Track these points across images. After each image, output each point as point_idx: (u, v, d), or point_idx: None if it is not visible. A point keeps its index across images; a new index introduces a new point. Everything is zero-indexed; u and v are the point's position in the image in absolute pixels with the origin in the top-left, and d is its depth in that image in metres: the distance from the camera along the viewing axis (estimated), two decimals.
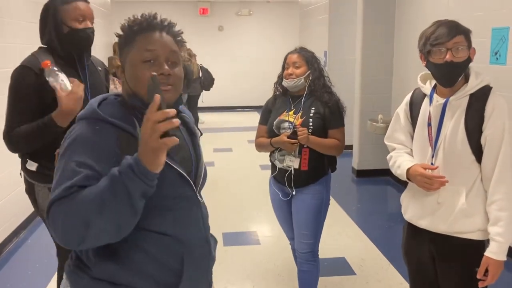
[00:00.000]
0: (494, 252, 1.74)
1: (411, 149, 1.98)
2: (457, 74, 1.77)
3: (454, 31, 1.74)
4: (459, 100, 1.80)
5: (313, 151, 2.49)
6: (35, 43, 4.98)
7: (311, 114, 2.49)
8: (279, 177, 2.59)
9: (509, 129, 1.74)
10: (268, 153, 2.66)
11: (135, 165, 1.09)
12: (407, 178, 1.90)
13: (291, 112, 2.55)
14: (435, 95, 1.86)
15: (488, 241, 1.81)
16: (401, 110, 2.00)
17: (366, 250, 3.72)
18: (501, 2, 3.54)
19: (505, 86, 3.41)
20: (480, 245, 1.82)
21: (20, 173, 2.24)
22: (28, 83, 2.02)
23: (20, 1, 4.26)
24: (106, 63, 9.37)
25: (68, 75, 2.10)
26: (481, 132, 1.76)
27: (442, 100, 1.82)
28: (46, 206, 2.09)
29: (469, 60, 1.78)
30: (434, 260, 1.93)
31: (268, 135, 2.59)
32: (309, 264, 2.62)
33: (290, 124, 2.50)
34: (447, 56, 1.73)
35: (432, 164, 1.86)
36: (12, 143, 2.07)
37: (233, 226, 4.16)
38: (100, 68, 2.36)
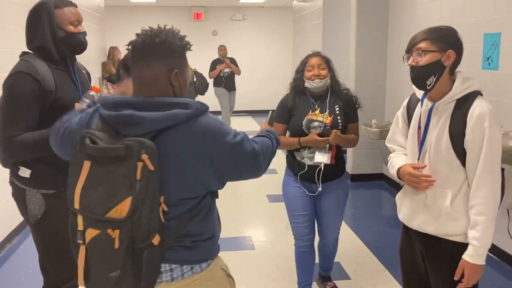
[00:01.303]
0: (470, 256, 1.76)
1: None
2: (422, 77, 1.81)
3: (420, 37, 1.82)
4: (447, 105, 1.82)
5: (338, 147, 2.71)
6: None
7: (337, 112, 2.69)
8: (308, 174, 2.68)
9: (492, 135, 1.74)
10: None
11: None
12: (398, 177, 1.96)
13: (317, 111, 2.69)
14: (425, 100, 1.90)
15: None
16: (400, 113, 2.07)
17: (361, 255, 3.73)
18: (493, 8, 3.58)
19: (497, 90, 3.44)
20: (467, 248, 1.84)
21: (12, 180, 2.18)
22: (30, 90, 1.98)
23: (17, 7, 4.25)
24: (100, 68, 9.27)
25: (62, 79, 2.10)
26: (464, 136, 1.78)
27: (430, 104, 1.86)
28: (38, 212, 2.08)
29: (436, 64, 1.80)
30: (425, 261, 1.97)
31: (293, 134, 2.71)
32: (334, 248, 2.92)
33: (320, 124, 2.64)
34: (409, 60, 1.84)
35: None
36: (10, 151, 2.01)
37: (227, 231, 4.12)
38: (83, 71, 2.37)
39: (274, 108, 2.82)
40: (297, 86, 2.76)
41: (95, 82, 7.52)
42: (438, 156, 1.84)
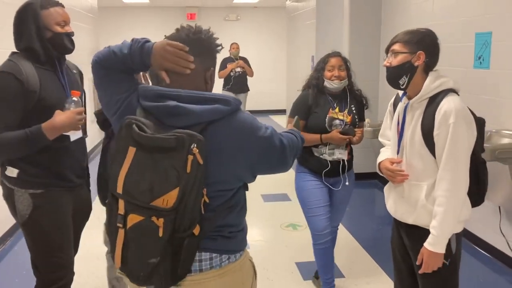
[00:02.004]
0: (429, 243, 1.87)
1: None
2: (395, 77, 1.94)
3: (394, 39, 1.96)
4: (420, 103, 1.92)
5: (350, 142, 2.83)
6: None
7: (354, 112, 2.85)
8: (330, 170, 2.82)
9: (456, 131, 1.79)
10: None
11: None
12: (379, 170, 2.09)
13: (336, 110, 2.81)
14: (404, 97, 2.01)
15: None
16: (388, 110, 2.19)
17: (355, 253, 3.75)
18: (484, 7, 3.61)
19: (489, 89, 3.47)
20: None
21: (1, 180, 2.19)
22: (13, 90, 1.97)
23: (11, 8, 4.23)
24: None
25: (48, 79, 2.09)
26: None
27: (407, 102, 1.97)
28: (26, 212, 2.09)
29: (406, 65, 1.90)
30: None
31: (313, 130, 2.79)
32: (329, 242, 2.90)
33: (341, 122, 2.79)
34: (385, 62, 1.98)
35: None
36: None
37: None
38: (75, 71, 2.36)
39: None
40: (318, 84, 2.83)
41: (88, 83, 7.50)
42: (413, 151, 1.94)
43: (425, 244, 1.88)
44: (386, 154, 2.13)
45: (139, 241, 1.34)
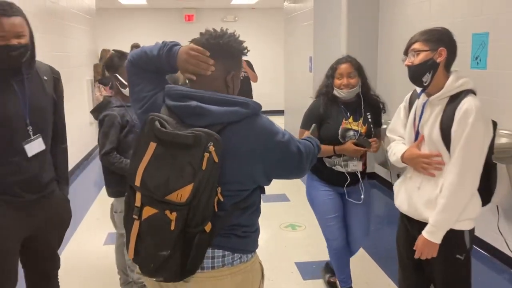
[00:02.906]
0: (426, 231, 1.95)
1: None
2: (418, 75, 1.96)
3: (413, 39, 1.99)
4: (440, 100, 1.95)
5: (365, 154, 2.72)
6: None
7: (370, 120, 2.68)
8: (341, 180, 2.73)
9: (472, 130, 1.84)
10: None
11: None
12: (403, 161, 2.08)
13: (350, 120, 2.66)
14: (423, 94, 2.03)
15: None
16: (402, 106, 2.20)
17: None
18: (480, 8, 3.64)
19: (486, 89, 3.49)
20: (460, 234, 1.97)
21: None
22: None
23: None
24: (91, 69, 9.19)
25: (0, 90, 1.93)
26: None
27: (426, 99, 1.99)
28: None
29: (429, 62, 1.93)
30: None
31: (325, 141, 2.57)
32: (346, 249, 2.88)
33: (355, 133, 2.65)
34: (406, 61, 2.00)
35: None
36: None
37: None
38: (46, 78, 2.12)
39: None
40: (328, 92, 2.70)
41: (86, 84, 7.51)
42: (430, 148, 1.97)
43: (423, 232, 1.95)
44: (401, 147, 2.12)
45: (152, 233, 1.38)
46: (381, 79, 5.53)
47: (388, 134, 2.27)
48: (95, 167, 7.20)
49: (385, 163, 5.20)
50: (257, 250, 1.67)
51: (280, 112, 9.49)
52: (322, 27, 6.52)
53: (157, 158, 1.37)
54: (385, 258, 3.63)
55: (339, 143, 2.64)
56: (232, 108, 1.41)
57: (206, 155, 1.32)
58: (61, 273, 2.58)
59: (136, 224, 1.41)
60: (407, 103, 2.17)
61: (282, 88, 9.33)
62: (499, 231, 3.33)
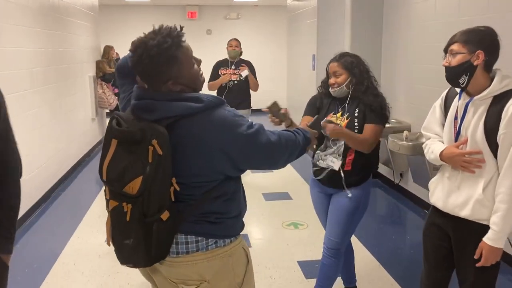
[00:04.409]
0: (489, 238, 1.93)
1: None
2: (455, 77, 1.97)
3: (453, 39, 1.99)
4: (483, 100, 1.95)
5: (359, 154, 2.54)
6: (29, 46, 4.95)
7: (356, 115, 2.58)
8: (322, 177, 2.64)
9: None
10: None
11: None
12: (441, 160, 2.07)
13: (338, 114, 2.64)
14: (463, 94, 2.03)
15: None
16: (438, 104, 2.19)
17: (357, 252, 3.73)
18: (486, 7, 3.61)
19: None
20: None
21: None
22: None
23: (12, 6, 4.23)
24: (94, 67, 9.22)
25: None
26: (498, 131, 1.90)
27: (468, 99, 1.99)
28: None
29: (466, 64, 1.93)
30: (451, 243, 2.12)
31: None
32: (331, 260, 2.70)
33: (335, 126, 2.53)
34: (444, 61, 2.00)
35: None
36: None
37: None
38: None
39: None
40: (326, 87, 2.71)
41: (89, 81, 7.51)
42: (473, 147, 1.97)
43: (485, 239, 1.94)
44: (439, 145, 2.12)
45: (116, 225, 1.52)
46: (385, 77, 5.51)
47: (423, 131, 2.28)
48: (97, 164, 7.19)
49: (388, 162, 5.18)
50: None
51: None
52: (326, 25, 6.50)
53: (117, 154, 1.48)
54: (388, 258, 3.62)
55: (323, 137, 2.58)
56: (181, 103, 1.48)
57: (151, 148, 1.40)
58: (62, 270, 2.59)
59: (108, 216, 1.55)
60: (443, 101, 2.17)
61: (284, 86, 9.31)
62: None
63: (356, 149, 2.54)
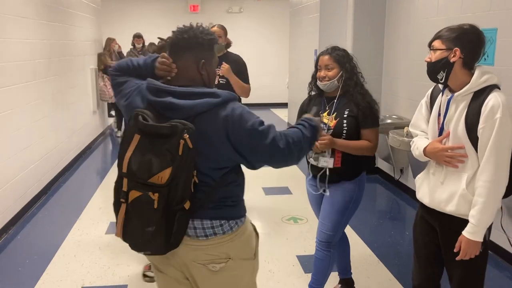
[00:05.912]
0: (468, 232, 1.95)
1: None
2: (433, 72, 2.02)
3: (435, 35, 2.02)
4: (464, 96, 1.97)
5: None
6: (32, 38, 4.95)
7: (345, 115, 2.53)
8: (314, 174, 2.67)
9: (501, 126, 1.87)
10: None
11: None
12: (425, 155, 2.10)
13: (325, 113, 2.60)
14: (446, 90, 2.06)
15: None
16: (424, 101, 2.22)
17: (355, 247, 3.76)
18: (489, 3, 3.60)
19: None
20: None
21: None
22: None
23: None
24: (95, 59, 9.22)
25: None
26: (478, 125, 1.92)
27: (450, 95, 2.02)
28: None
29: (443, 61, 1.97)
30: (439, 238, 2.13)
31: None
32: (323, 252, 2.71)
33: (324, 126, 2.55)
34: (427, 57, 2.04)
35: None
36: None
37: None
38: None
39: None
40: (314, 85, 2.68)
41: (90, 73, 7.51)
42: (455, 143, 1.99)
43: (464, 233, 1.95)
44: (424, 141, 2.14)
45: (137, 213, 1.59)
46: (387, 74, 5.50)
47: (410, 129, 2.30)
48: (98, 156, 7.22)
49: (388, 158, 5.19)
50: (258, 245, 1.88)
51: (284, 105, 9.47)
52: (328, 20, 6.48)
53: (140, 148, 1.58)
54: (387, 253, 3.63)
55: None
56: (201, 100, 1.60)
57: (182, 142, 1.52)
58: (63, 261, 2.60)
59: (123, 207, 1.62)
60: (429, 98, 2.19)
61: (286, 80, 9.29)
62: (502, 229, 3.32)
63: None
